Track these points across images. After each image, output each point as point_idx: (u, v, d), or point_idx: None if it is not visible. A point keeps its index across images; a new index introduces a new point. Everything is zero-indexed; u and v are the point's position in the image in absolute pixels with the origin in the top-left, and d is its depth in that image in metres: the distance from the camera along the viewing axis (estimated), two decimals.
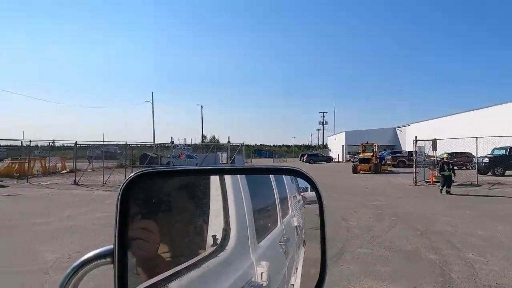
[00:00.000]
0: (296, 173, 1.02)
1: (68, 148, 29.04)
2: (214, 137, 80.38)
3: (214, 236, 0.98)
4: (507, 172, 22.26)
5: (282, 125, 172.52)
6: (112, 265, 0.61)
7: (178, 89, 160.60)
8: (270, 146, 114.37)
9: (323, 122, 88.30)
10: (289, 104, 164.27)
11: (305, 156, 60.70)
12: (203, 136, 74.27)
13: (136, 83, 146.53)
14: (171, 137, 24.82)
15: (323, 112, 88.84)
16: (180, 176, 0.84)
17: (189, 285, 0.78)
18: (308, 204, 1.46)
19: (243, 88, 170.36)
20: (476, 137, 19.68)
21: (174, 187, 0.83)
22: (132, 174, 0.65)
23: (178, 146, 35.46)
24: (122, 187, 0.62)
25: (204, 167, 0.98)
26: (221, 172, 1.04)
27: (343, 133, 65.19)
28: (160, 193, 0.81)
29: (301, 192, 1.47)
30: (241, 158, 24.53)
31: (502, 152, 23.25)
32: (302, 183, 1.26)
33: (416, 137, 21.01)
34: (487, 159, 22.93)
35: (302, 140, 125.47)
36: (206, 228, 0.96)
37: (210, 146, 29.02)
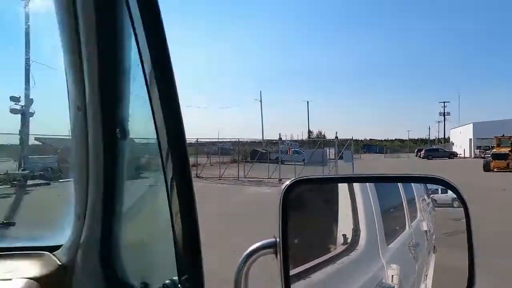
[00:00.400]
0: (438, 182, 1.01)
1: (190, 144, 33.06)
2: (320, 133, 79.67)
3: (344, 236, 1.05)
4: None
5: (394, 118, 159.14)
6: (273, 255, 0.73)
7: (285, 85, 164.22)
8: (381, 140, 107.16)
9: (444, 113, 77.84)
10: (403, 94, 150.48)
11: (422, 152, 54.78)
12: (309, 132, 74.43)
13: (246, 81, 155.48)
14: (279, 134, 25.77)
15: (444, 102, 78.42)
16: (328, 184, 0.93)
17: (328, 278, 0.87)
18: (439, 207, 1.38)
19: (350, 81, 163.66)
20: None
21: (316, 191, 0.93)
22: (288, 182, 0.77)
23: (285, 142, 36.49)
24: (283, 191, 0.74)
25: (349, 175, 1.07)
26: (365, 180, 1.11)
27: (471, 125, 56.64)
28: (309, 196, 0.92)
29: (430, 194, 1.40)
30: (350, 153, 23.76)
31: None
32: (431, 185, 1.21)
33: None
34: None
35: (419, 133, 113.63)
36: (338, 228, 1.04)
37: (317, 142, 28.97)
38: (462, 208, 0.97)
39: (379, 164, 37.57)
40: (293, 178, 0.77)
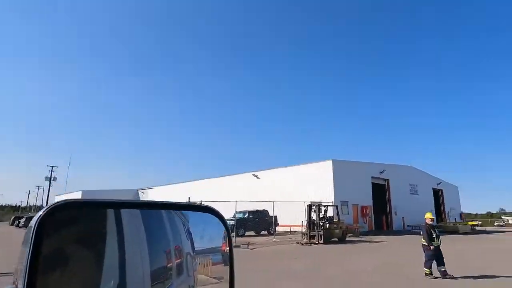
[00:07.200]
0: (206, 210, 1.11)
1: None
2: None
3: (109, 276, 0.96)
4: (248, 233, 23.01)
5: None
6: None
7: None
8: None
9: (50, 178, 57.57)
10: None
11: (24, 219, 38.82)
12: None
13: None
14: None
15: (52, 166, 58.69)
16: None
17: None
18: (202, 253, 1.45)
19: None
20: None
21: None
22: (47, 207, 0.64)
23: None
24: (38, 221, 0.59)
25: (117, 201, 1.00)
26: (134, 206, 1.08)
27: (80, 193, 51.48)
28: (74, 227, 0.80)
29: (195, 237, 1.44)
30: None
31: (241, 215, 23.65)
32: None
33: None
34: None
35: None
36: (104, 265, 0.95)
37: None
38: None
39: None
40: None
